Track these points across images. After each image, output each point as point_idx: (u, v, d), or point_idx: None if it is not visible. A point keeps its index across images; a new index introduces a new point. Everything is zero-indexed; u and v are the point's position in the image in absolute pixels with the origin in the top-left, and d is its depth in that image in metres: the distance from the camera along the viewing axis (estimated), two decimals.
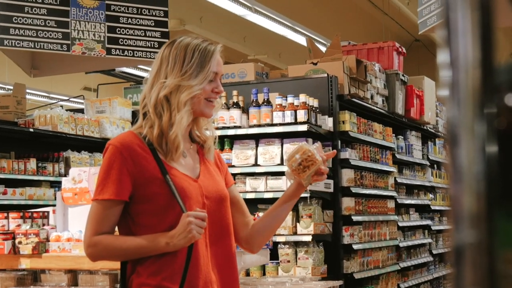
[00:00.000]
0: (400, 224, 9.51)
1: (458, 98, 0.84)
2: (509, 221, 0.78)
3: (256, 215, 4.34)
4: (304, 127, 7.24)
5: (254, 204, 7.39)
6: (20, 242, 4.13)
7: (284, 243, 7.37)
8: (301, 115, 7.31)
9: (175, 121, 2.95)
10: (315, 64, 8.19)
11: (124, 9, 9.28)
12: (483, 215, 0.78)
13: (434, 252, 11.01)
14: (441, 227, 11.35)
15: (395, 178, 9.43)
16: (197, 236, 2.79)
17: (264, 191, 7.47)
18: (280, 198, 3.15)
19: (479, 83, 0.82)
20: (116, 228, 2.97)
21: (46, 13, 8.77)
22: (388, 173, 9.18)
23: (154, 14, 9.40)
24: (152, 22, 9.40)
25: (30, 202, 9.74)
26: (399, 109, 9.60)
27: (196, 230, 2.77)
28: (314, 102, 7.57)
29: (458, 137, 0.81)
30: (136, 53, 9.29)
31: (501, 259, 0.77)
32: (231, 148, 7.74)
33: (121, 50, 9.24)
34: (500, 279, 0.76)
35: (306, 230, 7.27)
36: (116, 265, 3.90)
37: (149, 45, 9.41)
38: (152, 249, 2.84)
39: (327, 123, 7.73)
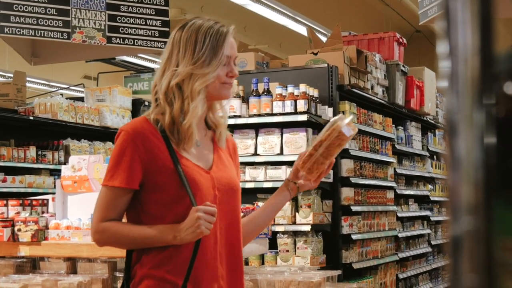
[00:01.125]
0: (399, 215, 9.52)
1: (457, 87, 0.84)
2: (506, 209, 0.79)
3: (255, 205, 4.35)
4: (304, 117, 7.24)
5: (253, 193, 7.40)
6: (19, 230, 4.13)
7: (283, 232, 7.38)
8: (301, 105, 7.31)
9: (188, 110, 2.87)
10: (316, 54, 8.18)
11: None
12: (481, 203, 0.78)
13: (433, 242, 11.02)
14: (440, 218, 11.35)
15: (394, 168, 9.44)
16: (205, 232, 2.72)
17: (264, 181, 7.47)
18: (264, 204, 3.17)
19: (478, 71, 0.82)
20: (125, 215, 2.93)
21: (46, 1, 8.76)
22: (387, 163, 9.18)
23: (154, 2, 9.39)
24: (152, 10, 9.38)
25: (30, 190, 9.75)
26: (399, 99, 9.60)
27: (204, 226, 2.71)
28: (314, 92, 7.57)
29: (456, 126, 0.81)
30: (137, 42, 9.28)
31: (499, 247, 0.77)
32: None
33: (121, 39, 9.23)
34: (497, 267, 0.76)
35: (305, 220, 7.27)
36: (115, 253, 3.91)
37: (150, 34, 9.40)
38: (158, 240, 2.78)
39: (327, 113, 7.73)
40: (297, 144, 7.34)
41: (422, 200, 10.93)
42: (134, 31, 9.31)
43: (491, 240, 0.76)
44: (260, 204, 4.44)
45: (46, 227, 4.16)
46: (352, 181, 7.91)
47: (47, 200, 4.55)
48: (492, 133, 0.78)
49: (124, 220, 2.94)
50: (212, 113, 3.05)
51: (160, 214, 2.82)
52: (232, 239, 2.96)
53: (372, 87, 8.80)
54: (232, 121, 7.63)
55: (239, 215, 3.03)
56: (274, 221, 6.94)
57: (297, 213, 7.36)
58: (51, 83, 19.46)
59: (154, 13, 9.38)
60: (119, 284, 3.91)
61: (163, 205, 2.82)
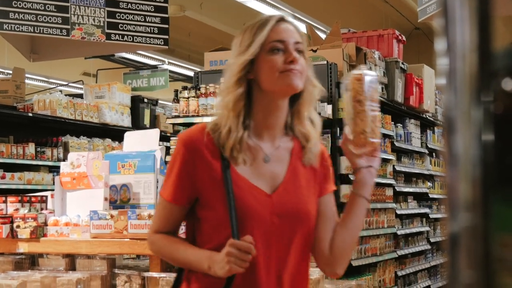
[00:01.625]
0: (398, 212, 9.52)
1: (455, 84, 0.84)
2: (504, 205, 0.79)
3: None
4: None
5: None
6: (18, 226, 4.13)
7: None
8: None
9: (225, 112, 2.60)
10: (315, 51, 8.18)
11: None
12: (479, 200, 0.78)
13: (432, 240, 11.02)
14: (439, 215, 11.35)
15: (393, 166, 9.43)
16: (235, 270, 2.39)
17: None
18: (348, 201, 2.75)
19: (476, 68, 0.82)
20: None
21: None
22: (386, 161, 9.18)
23: None
24: (152, 7, 9.39)
25: (29, 187, 9.76)
26: (398, 97, 9.60)
27: (235, 263, 2.37)
28: None
29: (454, 122, 0.81)
30: (136, 39, 9.28)
31: (496, 243, 0.77)
32: None
33: (120, 36, 9.23)
34: (495, 263, 0.76)
35: None
36: (114, 250, 3.91)
37: (149, 31, 9.40)
38: (196, 267, 2.53)
39: (326, 110, 7.73)
40: None
41: (421, 198, 10.92)
42: (133, 28, 9.31)
43: (488, 236, 0.77)
44: None
45: (45, 223, 4.17)
46: (351, 178, 7.90)
47: (46, 196, 4.55)
48: (490, 130, 0.78)
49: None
50: (297, 121, 2.67)
51: (208, 236, 2.56)
52: (296, 272, 2.62)
53: None
54: None
55: (307, 245, 2.63)
56: None
57: None
58: (50, 80, 19.46)
59: (153, 10, 9.38)
60: (117, 280, 3.92)
61: (212, 227, 2.55)
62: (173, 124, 9.30)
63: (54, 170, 10.30)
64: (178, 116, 7.93)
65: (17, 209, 4.37)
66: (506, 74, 0.81)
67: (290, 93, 2.61)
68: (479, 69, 0.81)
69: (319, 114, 7.44)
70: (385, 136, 9.13)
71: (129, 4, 9.25)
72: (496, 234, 0.78)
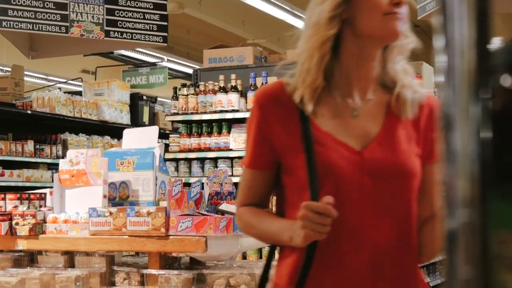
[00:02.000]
0: None
1: (453, 80, 0.84)
2: (502, 202, 0.79)
3: None
4: None
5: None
6: (17, 223, 4.13)
7: None
8: None
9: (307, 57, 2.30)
10: None
11: None
12: (477, 196, 0.78)
13: None
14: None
15: None
16: (312, 236, 2.03)
17: None
18: None
19: (475, 65, 0.82)
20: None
21: None
22: None
23: None
24: (151, 4, 9.37)
25: (28, 184, 9.76)
26: None
27: (311, 228, 2.00)
28: None
29: (452, 119, 0.81)
30: (135, 36, 9.27)
31: (495, 240, 0.77)
32: (229, 132, 7.74)
33: (119, 33, 9.22)
34: (493, 259, 0.76)
35: None
36: (113, 247, 3.91)
37: (148, 28, 9.39)
38: (279, 240, 2.23)
39: None
40: None
41: None
42: (132, 25, 9.30)
43: (487, 233, 0.77)
44: None
45: (44, 221, 4.16)
46: None
47: (45, 194, 4.55)
48: (489, 127, 0.79)
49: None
50: (388, 68, 2.26)
51: (292, 203, 2.20)
52: (401, 246, 2.19)
53: None
54: (230, 115, 7.63)
55: (412, 211, 2.19)
56: None
57: None
58: (49, 77, 19.45)
59: (152, 7, 9.37)
60: (116, 277, 3.92)
61: (295, 192, 2.21)
62: (172, 121, 9.30)
63: (53, 167, 10.29)
64: (177, 114, 7.94)
65: (16, 206, 4.37)
66: (505, 71, 0.81)
67: (391, 41, 2.20)
68: (478, 65, 0.81)
69: None
70: None
71: (128, 2, 9.24)
72: (495, 230, 0.78)
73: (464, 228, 0.77)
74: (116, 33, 9.18)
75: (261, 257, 7.19)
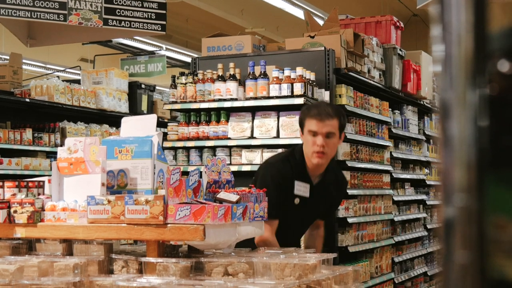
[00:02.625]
0: (395, 199, 9.54)
1: (450, 67, 0.84)
2: (499, 187, 0.79)
3: (252, 188, 4.35)
4: (300, 100, 7.24)
5: (249, 176, 7.40)
6: (15, 211, 4.13)
7: None
8: (298, 88, 7.30)
9: None
10: (313, 37, 8.17)
11: None
12: (473, 181, 0.78)
13: (429, 226, 11.05)
14: (436, 202, 11.37)
15: (391, 152, 9.44)
16: None
17: (260, 164, 7.48)
18: None
19: (472, 51, 0.82)
20: None
21: None
22: (384, 147, 9.19)
23: None
24: None
25: (26, 172, 9.76)
26: (396, 83, 9.59)
27: None
28: (311, 75, 7.56)
29: (450, 105, 0.81)
30: (133, 24, 9.26)
31: (491, 224, 0.77)
32: (227, 120, 7.74)
33: (118, 21, 9.21)
34: (489, 244, 0.76)
35: None
36: (111, 235, 3.91)
37: (146, 16, 9.38)
38: None
39: (324, 96, 7.72)
40: (293, 127, 7.33)
41: (418, 184, 10.94)
42: (131, 14, 9.28)
43: (483, 218, 0.77)
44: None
45: (42, 209, 4.16)
46: (349, 165, 7.91)
47: (43, 182, 4.54)
48: (485, 113, 0.78)
49: None
50: None
51: None
52: None
53: (369, 71, 8.79)
54: (228, 104, 7.62)
55: None
56: None
57: None
58: (48, 66, 19.43)
59: None
60: (115, 265, 3.92)
61: None
62: (171, 110, 9.29)
63: (52, 155, 10.30)
64: (175, 102, 7.93)
65: (14, 194, 4.36)
66: (502, 56, 0.81)
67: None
68: (475, 52, 0.81)
69: (317, 100, 7.43)
70: (382, 122, 9.13)
71: None
72: (491, 215, 0.78)
73: (461, 213, 0.77)
74: (114, 21, 9.16)
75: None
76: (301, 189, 4.99)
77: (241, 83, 7.67)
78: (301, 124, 4.95)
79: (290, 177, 4.96)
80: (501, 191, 0.78)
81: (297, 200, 4.99)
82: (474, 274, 0.75)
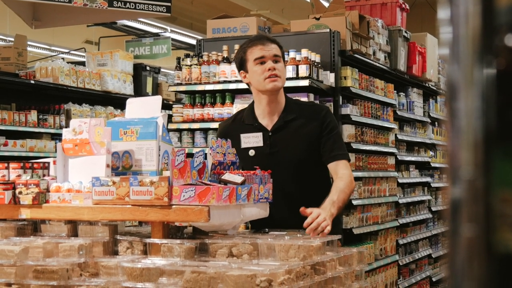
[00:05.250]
0: (400, 181, 9.54)
1: (458, 48, 0.83)
2: (505, 161, 0.78)
3: (256, 169, 4.34)
4: (305, 82, 7.22)
5: None
6: (20, 192, 4.14)
7: None
8: (303, 70, 7.28)
9: None
10: (318, 19, 8.15)
11: None
12: (480, 156, 0.78)
13: (433, 209, 11.05)
14: (441, 184, 11.37)
15: (395, 134, 9.43)
16: None
17: None
18: None
19: (479, 23, 0.81)
20: None
21: None
22: (389, 129, 9.18)
23: None
24: None
25: (31, 154, 9.77)
26: (401, 65, 9.57)
27: None
28: (316, 57, 7.55)
29: (457, 78, 0.80)
30: (138, 6, 9.23)
31: (497, 198, 0.77)
32: (232, 102, 7.73)
33: (123, 3, 9.18)
34: (495, 217, 0.76)
35: None
36: (116, 216, 3.92)
37: None
38: None
39: (329, 78, 7.70)
40: None
41: (423, 167, 10.94)
42: None
43: (489, 191, 0.76)
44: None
45: (47, 190, 4.17)
46: (353, 147, 7.90)
47: (48, 163, 4.54)
48: (492, 86, 0.78)
49: None
50: None
51: None
52: None
53: (374, 53, 8.77)
54: (233, 86, 7.61)
55: None
56: None
57: None
58: (52, 47, 19.40)
59: None
60: (119, 247, 3.93)
61: None
62: (176, 92, 9.28)
63: (57, 137, 10.31)
64: (180, 84, 7.92)
65: (19, 175, 4.37)
66: (509, 30, 0.80)
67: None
68: (482, 30, 0.81)
69: (322, 82, 7.41)
70: (387, 105, 9.12)
71: None
72: (497, 189, 0.78)
73: (467, 186, 0.77)
74: (119, 2, 9.14)
75: None
76: (250, 140, 4.77)
77: None
78: (243, 62, 4.75)
79: (231, 131, 4.82)
80: (507, 165, 0.78)
81: (251, 152, 4.77)
82: (480, 248, 0.74)
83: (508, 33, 0.77)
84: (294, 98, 4.95)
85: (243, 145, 4.77)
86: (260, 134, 4.75)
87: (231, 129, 4.86)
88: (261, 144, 4.74)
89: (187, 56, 8.02)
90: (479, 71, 0.80)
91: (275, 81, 4.68)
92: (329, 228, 4.00)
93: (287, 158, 4.72)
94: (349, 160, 4.76)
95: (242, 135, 4.78)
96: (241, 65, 4.80)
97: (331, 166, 4.67)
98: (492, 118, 0.76)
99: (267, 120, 4.80)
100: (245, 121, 4.83)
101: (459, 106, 0.78)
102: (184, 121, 7.93)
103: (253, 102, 4.85)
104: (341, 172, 4.59)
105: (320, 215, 4.03)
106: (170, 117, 7.89)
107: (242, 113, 4.91)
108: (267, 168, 4.44)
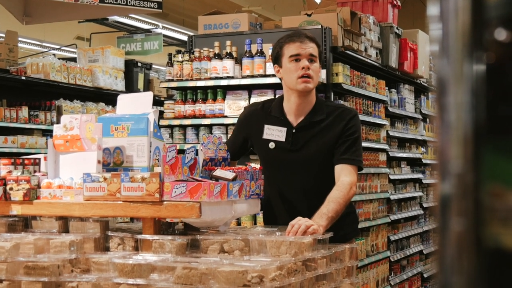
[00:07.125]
0: (391, 177, 9.55)
1: (447, 43, 0.83)
2: (495, 155, 0.78)
3: (247, 165, 4.34)
4: None
5: (246, 155, 7.41)
6: (11, 189, 4.13)
7: None
8: None
9: None
10: (309, 15, 8.14)
11: None
12: (470, 150, 0.78)
13: (425, 205, 11.07)
14: (432, 181, 11.39)
15: (387, 131, 9.44)
16: None
17: None
18: None
19: (469, 18, 0.81)
20: None
21: None
22: (380, 126, 9.18)
23: None
24: None
25: (22, 150, 9.75)
26: (393, 62, 9.58)
27: None
28: None
29: (447, 72, 0.80)
30: (129, 2, 9.22)
31: (487, 192, 0.77)
32: (223, 99, 7.73)
33: None
34: (485, 212, 0.76)
35: None
36: (107, 212, 3.91)
37: None
38: None
39: (320, 75, 7.70)
40: None
41: (414, 163, 10.96)
42: None
43: (479, 185, 0.76)
44: (253, 165, 4.44)
45: (38, 186, 4.16)
46: None
47: (39, 159, 4.54)
48: (482, 81, 0.78)
49: None
50: None
51: None
52: None
53: (365, 49, 8.77)
54: (225, 82, 7.61)
55: None
56: None
57: None
58: (44, 44, 19.36)
59: None
60: (111, 243, 3.93)
61: None
62: (167, 88, 9.28)
63: (48, 134, 10.29)
64: (172, 80, 7.91)
65: (10, 172, 4.36)
66: (499, 24, 0.80)
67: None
68: (472, 18, 0.81)
69: None
70: (379, 101, 9.13)
71: None
72: (487, 183, 0.78)
73: (457, 180, 0.77)
74: None
75: (255, 223, 7.21)
76: (273, 133, 4.72)
77: (238, 61, 7.66)
78: (278, 56, 4.72)
79: (257, 118, 4.82)
80: (497, 159, 0.78)
81: (272, 145, 4.71)
82: (470, 242, 0.75)
83: (497, 27, 0.78)
84: (324, 99, 4.95)
85: (265, 136, 4.74)
86: (284, 129, 4.71)
87: (258, 116, 4.84)
88: (283, 139, 4.70)
89: (178, 52, 8.02)
90: (468, 65, 0.80)
91: (307, 82, 4.61)
92: (315, 228, 3.91)
93: (306, 157, 4.68)
94: (360, 167, 4.73)
95: (266, 126, 4.75)
96: (276, 59, 4.77)
97: (337, 169, 4.62)
98: (481, 113, 0.76)
99: (293, 117, 4.74)
100: (272, 112, 4.78)
101: (448, 101, 0.78)
102: (175, 117, 7.93)
103: (282, 95, 4.83)
104: (341, 179, 4.52)
105: (300, 220, 3.95)
106: (161, 113, 7.88)
107: (270, 104, 4.85)
108: (285, 164, 4.59)
